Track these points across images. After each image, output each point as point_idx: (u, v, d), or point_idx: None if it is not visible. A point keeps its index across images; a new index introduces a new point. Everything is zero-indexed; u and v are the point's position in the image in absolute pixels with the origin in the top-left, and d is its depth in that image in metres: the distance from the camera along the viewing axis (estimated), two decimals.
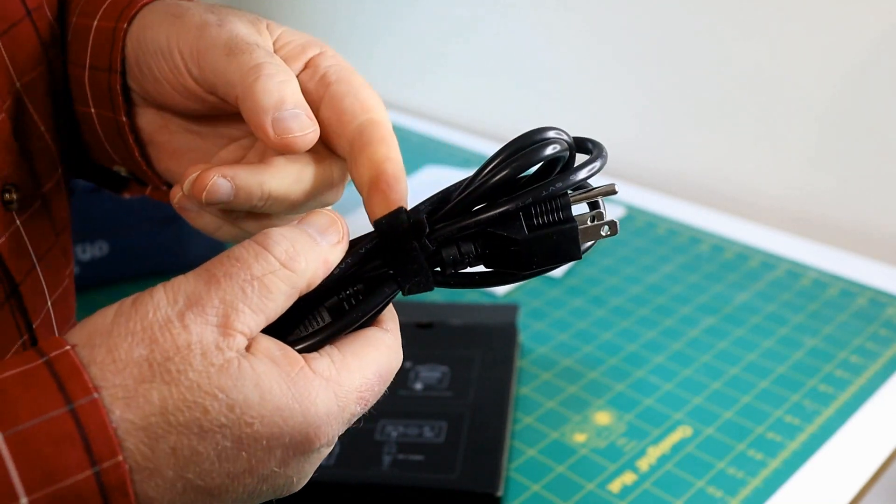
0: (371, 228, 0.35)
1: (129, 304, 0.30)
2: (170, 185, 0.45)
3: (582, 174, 0.34)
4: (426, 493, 0.57)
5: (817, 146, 0.95)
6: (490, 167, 0.34)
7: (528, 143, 0.34)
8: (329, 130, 0.38)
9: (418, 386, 0.66)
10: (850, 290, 0.80)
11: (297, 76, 0.38)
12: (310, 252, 0.33)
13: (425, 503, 0.57)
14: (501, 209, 0.33)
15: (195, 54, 0.38)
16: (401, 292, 0.34)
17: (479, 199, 0.34)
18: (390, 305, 0.36)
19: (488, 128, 1.23)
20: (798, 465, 0.61)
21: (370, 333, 0.34)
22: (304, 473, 0.33)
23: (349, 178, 0.39)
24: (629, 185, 1.01)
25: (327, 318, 0.34)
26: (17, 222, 0.41)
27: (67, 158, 0.47)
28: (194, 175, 0.37)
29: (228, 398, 0.30)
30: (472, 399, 0.65)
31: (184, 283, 0.31)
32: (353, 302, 0.34)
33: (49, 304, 0.44)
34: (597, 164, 0.35)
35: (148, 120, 0.43)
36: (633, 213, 0.96)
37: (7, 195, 0.41)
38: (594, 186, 0.36)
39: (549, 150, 0.34)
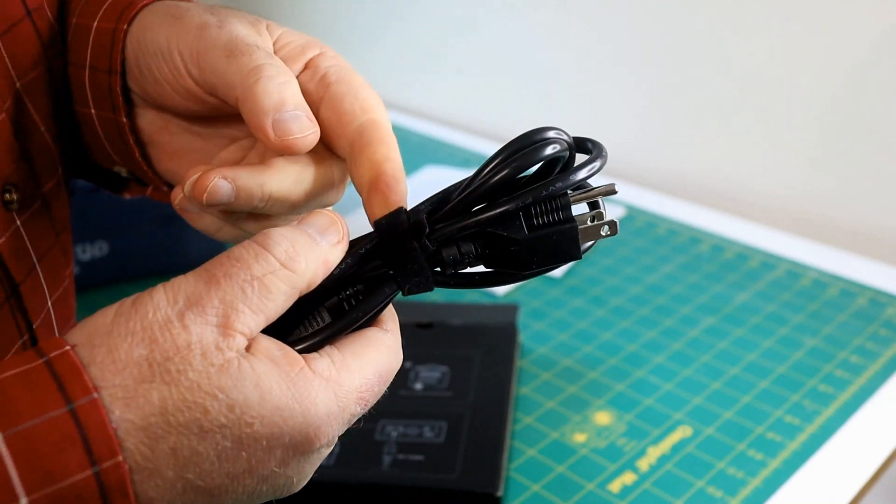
0: (371, 228, 0.35)
1: (129, 305, 0.30)
2: (170, 186, 0.45)
3: (582, 174, 0.34)
4: (426, 493, 0.57)
5: (817, 146, 0.94)
6: (490, 167, 0.34)
7: (528, 143, 0.34)
8: (329, 131, 0.38)
9: (418, 386, 0.66)
10: (850, 290, 0.80)
11: (297, 77, 0.38)
12: (310, 252, 0.33)
13: (425, 503, 0.57)
14: (501, 209, 0.33)
15: (195, 55, 0.38)
16: (401, 292, 0.34)
17: (479, 199, 0.34)
18: (390, 306, 0.36)
19: (488, 128, 1.23)
20: (798, 465, 0.61)
21: (370, 334, 0.34)
22: (304, 474, 0.33)
23: (349, 178, 0.39)
24: (629, 185, 1.01)
25: (327, 319, 0.34)
26: (18, 222, 0.41)
27: (67, 159, 0.47)
28: (195, 176, 0.37)
29: (228, 398, 0.30)
30: (472, 399, 0.65)
31: (184, 284, 0.31)
32: (353, 302, 0.34)
33: (49, 304, 0.44)
34: (597, 164, 0.35)
35: (148, 121, 0.43)
36: (633, 213, 0.96)
37: (7, 195, 0.41)
38: (594, 186, 0.35)
39: (549, 150, 0.34)
